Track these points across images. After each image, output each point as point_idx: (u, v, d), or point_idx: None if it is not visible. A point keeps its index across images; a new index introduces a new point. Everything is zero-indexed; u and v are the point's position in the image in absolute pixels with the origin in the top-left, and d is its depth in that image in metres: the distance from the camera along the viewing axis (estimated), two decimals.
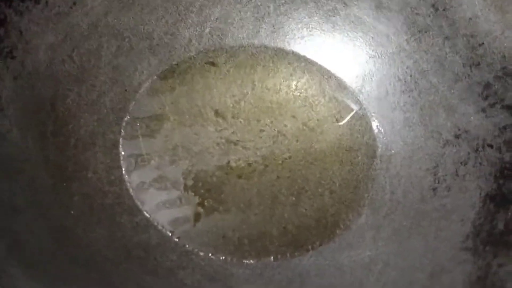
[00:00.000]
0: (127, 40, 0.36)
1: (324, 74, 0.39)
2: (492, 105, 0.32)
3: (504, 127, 0.31)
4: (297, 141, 0.37)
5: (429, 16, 0.35)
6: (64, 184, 0.30)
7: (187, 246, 0.32)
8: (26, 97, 0.31)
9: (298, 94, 0.38)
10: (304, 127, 0.37)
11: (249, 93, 0.38)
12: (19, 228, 0.25)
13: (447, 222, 0.30)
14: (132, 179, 0.33)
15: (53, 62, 0.33)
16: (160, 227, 0.32)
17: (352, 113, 0.38)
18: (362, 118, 0.37)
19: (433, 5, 0.35)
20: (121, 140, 0.34)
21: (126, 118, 0.35)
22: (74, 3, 0.34)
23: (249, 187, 0.34)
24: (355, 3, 0.38)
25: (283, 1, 0.39)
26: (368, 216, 0.33)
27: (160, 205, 0.33)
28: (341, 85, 0.38)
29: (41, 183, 0.28)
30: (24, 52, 0.31)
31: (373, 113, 0.37)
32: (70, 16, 0.33)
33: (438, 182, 0.33)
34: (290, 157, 0.36)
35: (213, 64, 0.38)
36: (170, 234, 0.32)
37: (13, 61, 0.31)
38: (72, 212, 0.28)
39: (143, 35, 0.37)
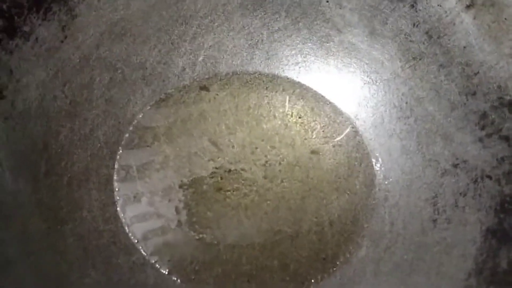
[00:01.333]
0: (120, 72, 0.36)
1: (319, 100, 0.38)
2: (489, 135, 0.32)
3: (502, 158, 0.31)
4: (293, 169, 0.36)
5: (423, 43, 0.35)
6: (58, 227, 0.29)
7: (185, 284, 0.32)
8: (17, 138, 0.30)
9: (294, 120, 0.38)
10: (301, 155, 0.37)
11: (244, 120, 0.37)
12: (10, 283, 0.24)
13: (449, 257, 0.29)
14: (127, 215, 0.33)
15: (45, 99, 0.32)
16: (157, 265, 0.31)
17: (346, 131, 0.37)
18: (358, 145, 0.37)
19: (427, 33, 0.35)
20: (115, 174, 0.34)
21: (119, 152, 0.34)
22: (65, 37, 0.33)
23: (246, 220, 0.34)
24: (349, 29, 0.37)
25: (277, 28, 0.38)
26: (368, 249, 0.33)
27: (156, 242, 0.32)
28: (336, 111, 0.38)
29: (33, 229, 0.28)
30: (15, 91, 0.30)
31: (370, 139, 0.37)
32: (61, 51, 0.33)
33: (438, 213, 0.32)
34: (287, 187, 0.35)
35: (207, 89, 0.38)
36: (166, 273, 0.31)
37: (3, 101, 0.30)
38: (66, 257, 0.27)
39: (136, 66, 0.36)
